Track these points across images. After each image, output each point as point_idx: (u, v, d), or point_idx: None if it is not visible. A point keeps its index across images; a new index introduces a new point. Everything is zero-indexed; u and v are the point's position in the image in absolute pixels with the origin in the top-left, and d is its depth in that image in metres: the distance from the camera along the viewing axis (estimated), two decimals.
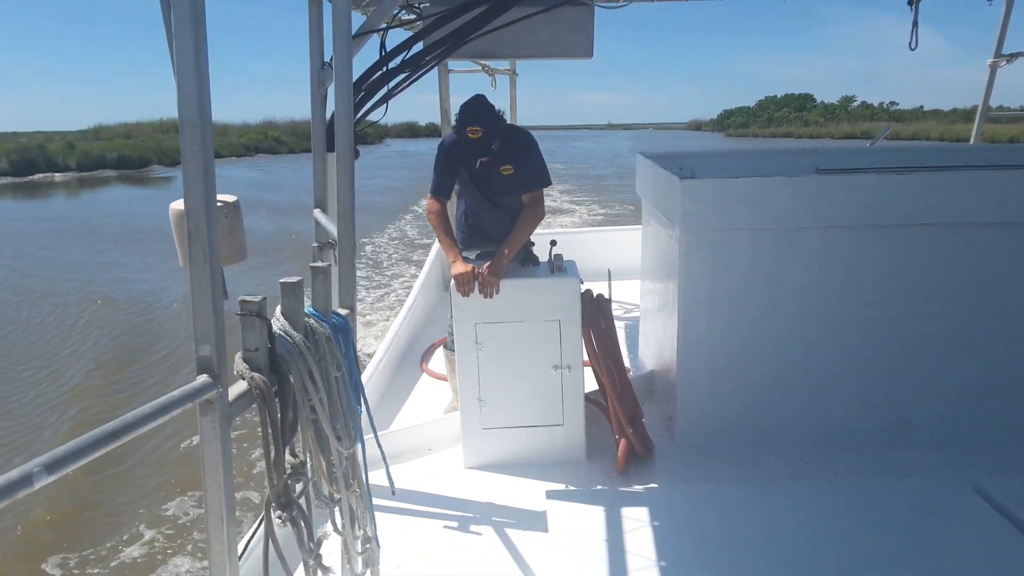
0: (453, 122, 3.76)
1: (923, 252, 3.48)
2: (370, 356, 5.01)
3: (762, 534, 2.82)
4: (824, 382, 3.62)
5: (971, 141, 6.69)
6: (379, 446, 2.47)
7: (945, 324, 3.56)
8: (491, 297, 3.37)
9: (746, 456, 3.54)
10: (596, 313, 3.50)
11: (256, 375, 1.67)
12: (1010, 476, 3.15)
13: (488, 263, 3.42)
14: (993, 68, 6.44)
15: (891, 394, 3.63)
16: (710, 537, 2.82)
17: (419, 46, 3.61)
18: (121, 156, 44.97)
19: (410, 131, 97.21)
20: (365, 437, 2.27)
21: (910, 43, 4.04)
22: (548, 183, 3.76)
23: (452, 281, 3.43)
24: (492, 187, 3.77)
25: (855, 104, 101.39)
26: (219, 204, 2.05)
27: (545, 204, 3.74)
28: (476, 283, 3.37)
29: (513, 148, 3.68)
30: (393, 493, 2.65)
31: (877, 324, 3.56)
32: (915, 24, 3.88)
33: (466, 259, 3.53)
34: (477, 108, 3.52)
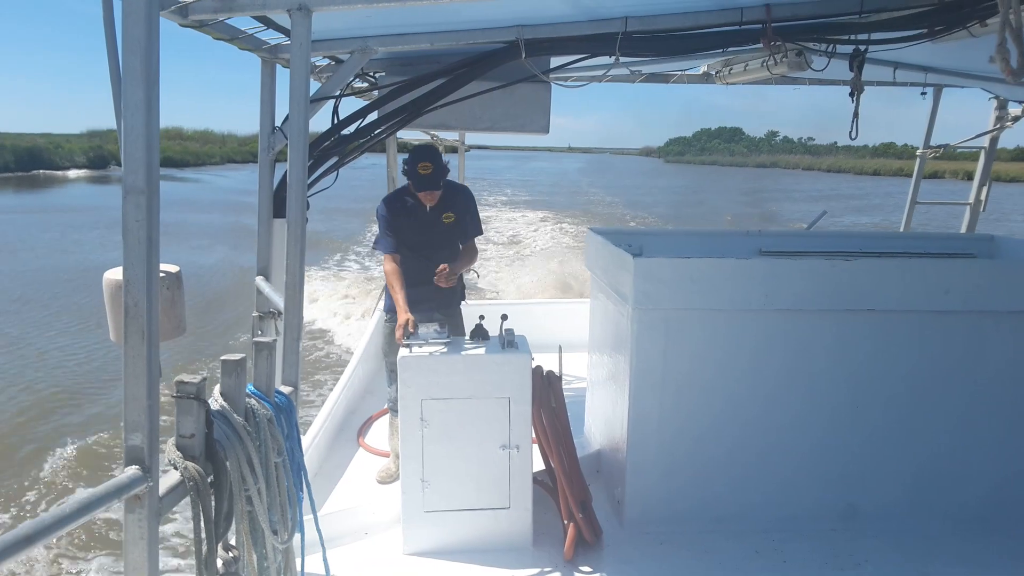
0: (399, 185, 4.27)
1: (870, 338, 3.53)
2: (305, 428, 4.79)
3: None
4: (775, 467, 3.59)
5: (902, 229, 6.99)
6: (318, 531, 2.30)
7: (895, 411, 3.59)
8: (447, 284, 3.74)
9: (696, 543, 3.45)
10: (547, 391, 3.41)
11: (191, 464, 1.52)
12: (959, 570, 3.13)
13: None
14: (922, 158, 6.78)
15: (842, 481, 3.61)
16: None
17: (373, 115, 3.57)
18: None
19: None
20: (305, 518, 2.10)
21: (850, 133, 4.19)
22: (481, 232, 4.31)
23: (399, 355, 3.30)
24: (433, 232, 4.10)
25: (778, 138, 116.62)
26: (161, 275, 1.91)
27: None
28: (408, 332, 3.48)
29: (455, 200, 4.14)
30: None
31: (828, 409, 3.57)
32: (855, 115, 4.02)
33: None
34: (428, 149, 3.96)
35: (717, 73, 5.29)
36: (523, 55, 3.32)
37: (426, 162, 3.84)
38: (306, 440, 4.44)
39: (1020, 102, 6.44)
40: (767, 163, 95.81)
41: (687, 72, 5.92)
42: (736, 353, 3.52)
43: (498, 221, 28.48)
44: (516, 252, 21.69)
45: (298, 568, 1.98)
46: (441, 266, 3.79)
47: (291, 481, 1.92)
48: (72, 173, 54.02)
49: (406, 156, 3.99)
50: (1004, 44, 2.23)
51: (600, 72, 4.48)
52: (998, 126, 6.60)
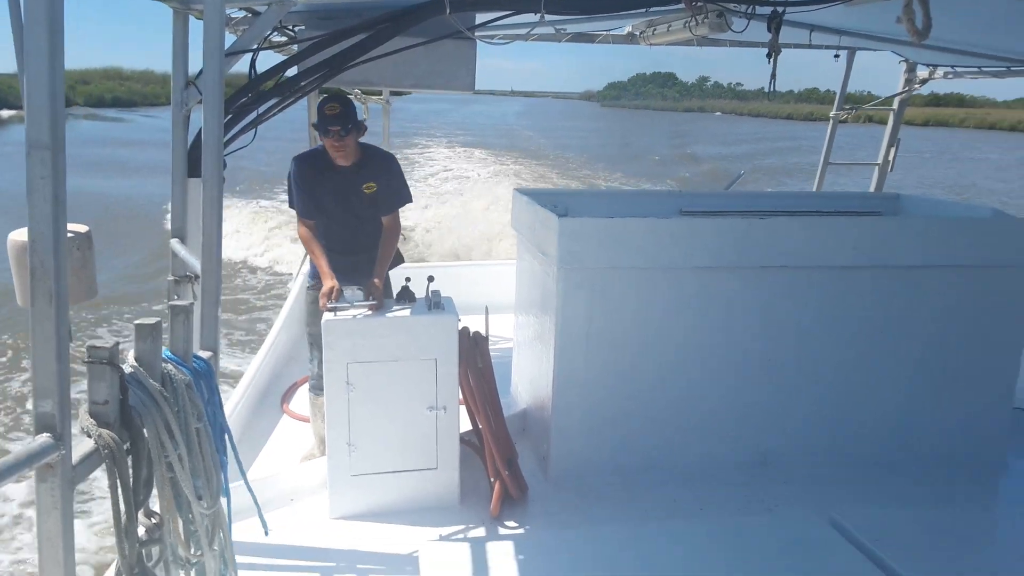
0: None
1: (784, 293, 3.68)
2: (227, 394, 4.69)
3: (634, 574, 2.83)
4: (693, 419, 3.73)
5: (815, 188, 7.24)
6: (250, 491, 2.27)
7: (805, 363, 3.76)
8: (379, 308, 3.33)
9: (619, 495, 3.57)
10: (473, 351, 3.43)
11: (105, 432, 1.48)
12: (863, 509, 3.34)
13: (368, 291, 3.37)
14: (834, 120, 7.02)
15: (753, 430, 3.78)
16: None
17: (293, 70, 3.45)
18: None
19: None
20: (233, 485, 2.08)
21: (768, 92, 4.29)
22: (410, 200, 3.95)
23: (323, 319, 3.26)
24: (352, 203, 3.80)
25: (709, 83, 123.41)
26: (69, 235, 1.82)
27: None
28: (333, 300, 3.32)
29: (377, 167, 3.82)
30: (267, 534, 2.44)
31: (744, 362, 3.72)
32: (773, 76, 4.12)
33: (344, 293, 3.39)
34: (338, 94, 3.72)
35: (641, 34, 5.33)
36: (447, 11, 3.25)
37: (333, 103, 3.56)
38: (228, 407, 4.35)
39: (927, 65, 6.72)
40: (695, 107, 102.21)
41: (612, 32, 5.93)
42: (657, 310, 3.61)
43: (433, 161, 29.53)
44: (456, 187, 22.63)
45: (227, 532, 1.96)
46: (375, 282, 3.42)
47: (214, 446, 1.88)
48: None
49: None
50: (910, 5, 2.32)
51: (525, 30, 4.44)
52: (907, 89, 6.88)
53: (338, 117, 3.56)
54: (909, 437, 3.87)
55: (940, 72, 6.67)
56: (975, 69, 6.29)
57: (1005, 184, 29.23)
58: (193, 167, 3.15)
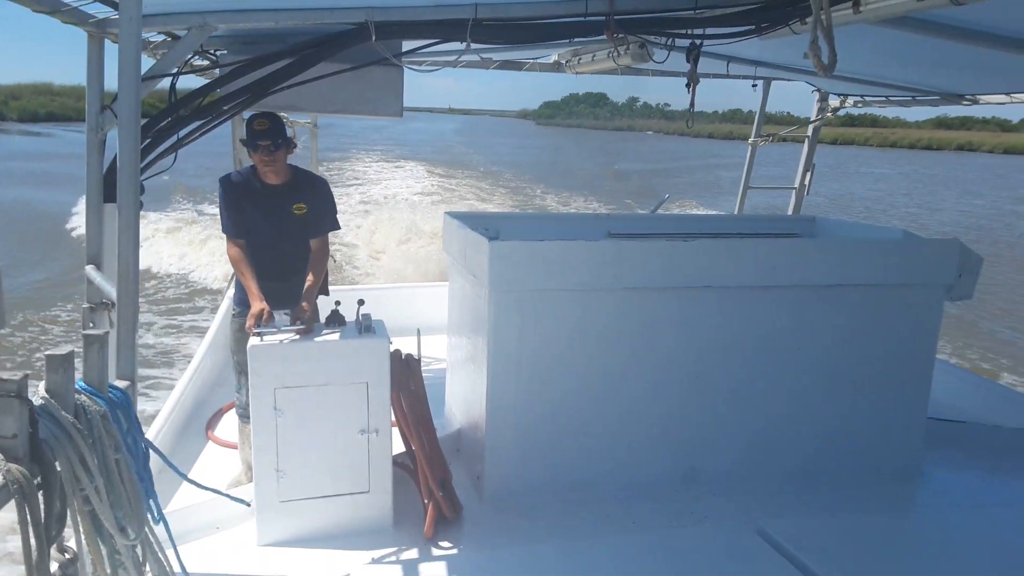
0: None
1: (708, 312, 3.79)
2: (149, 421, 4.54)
3: None
4: (624, 436, 3.79)
5: (736, 211, 7.51)
6: (167, 527, 2.21)
7: (731, 379, 3.88)
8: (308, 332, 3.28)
9: (553, 513, 3.59)
10: (405, 374, 3.42)
11: (13, 467, 1.43)
12: (789, 519, 3.45)
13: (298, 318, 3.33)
14: (753, 146, 7.31)
15: (682, 445, 3.87)
16: None
17: (217, 95, 3.41)
18: None
19: None
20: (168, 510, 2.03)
21: (688, 123, 4.45)
22: (338, 227, 3.97)
23: (249, 344, 3.20)
24: (282, 223, 3.78)
25: (639, 104, 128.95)
26: None
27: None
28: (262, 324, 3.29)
29: (309, 189, 3.84)
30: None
31: (671, 380, 3.81)
32: (692, 104, 4.28)
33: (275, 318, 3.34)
34: (267, 112, 3.66)
35: (567, 63, 5.46)
36: (373, 38, 3.28)
37: (262, 119, 3.59)
38: (150, 434, 4.21)
39: (838, 95, 7.08)
40: (624, 127, 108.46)
41: (539, 60, 6.06)
42: (587, 330, 3.68)
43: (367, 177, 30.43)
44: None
45: (164, 561, 1.90)
46: (304, 306, 3.37)
47: (135, 477, 1.83)
48: None
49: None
50: (816, 42, 2.45)
51: (453, 57, 4.50)
52: (820, 117, 7.23)
53: (268, 132, 3.59)
54: (831, 449, 4.02)
55: (851, 100, 7.04)
56: (883, 98, 6.66)
57: (878, 193, 34.52)
58: (109, 191, 3.07)
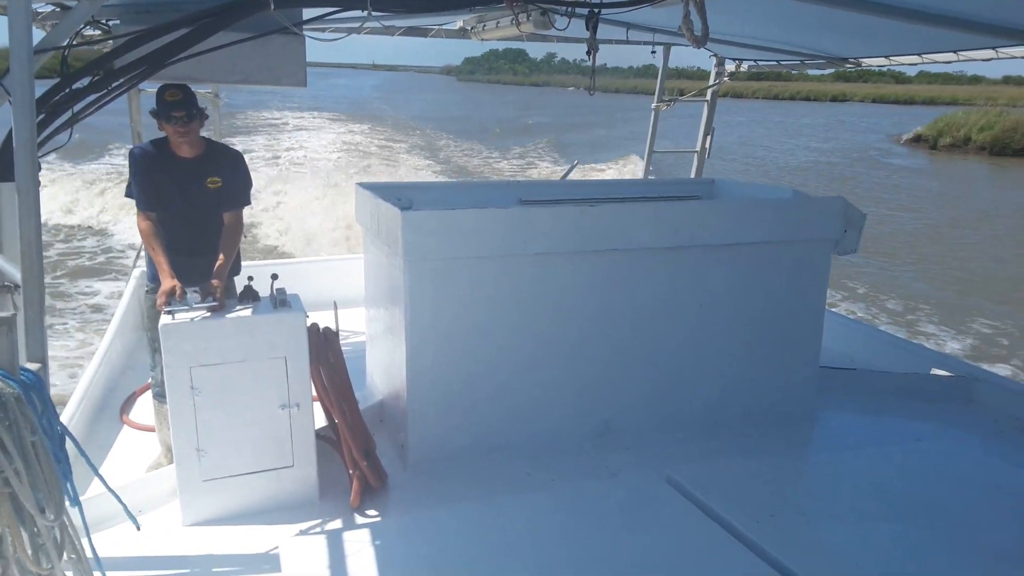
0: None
1: (616, 274, 3.95)
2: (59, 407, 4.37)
3: (492, 547, 2.98)
4: (540, 397, 3.93)
5: (642, 175, 7.74)
6: (107, 487, 2.21)
7: (638, 337, 4.06)
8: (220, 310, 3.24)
9: (475, 475, 3.70)
10: (324, 347, 3.44)
11: None
12: (695, 466, 3.67)
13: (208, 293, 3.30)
14: (656, 111, 7.52)
15: (595, 402, 4.05)
16: (446, 558, 2.90)
17: (110, 67, 3.28)
18: None
19: None
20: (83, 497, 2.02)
21: (590, 89, 4.57)
22: (250, 203, 3.92)
23: (160, 322, 3.15)
24: (195, 196, 3.71)
25: (557, 60, 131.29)
26: None
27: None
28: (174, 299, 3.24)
29: (223, 163, 3.79)
30: (139, 529, 2.41)
31: (581, 340, 3.96)
32: (593, 71, 4.39)
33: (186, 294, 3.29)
34: (176, 83, 3.58)
35: (472, 29, 5.48)
36: (272, 7, 3.22)
37: (173, 90, 3.53)
38: (63, 419, 4.08)
39: (734, 59, 7.36)
40: (541, 82, 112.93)
41: (444, 27, 6.05)
42: (500, 296, 3.77)
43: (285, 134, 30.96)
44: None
45: (83, 540, 1.90)
46: (214, 283, 3.35)
47: (52, 458, 1.82)
48: None
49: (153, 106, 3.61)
50: (688, 16, 2.59)
51: (356, 24, 4.46)
52: (717, 81, 7.50)
53: (181, 103, 3.53)
54: (732, 399, 4.28)
55: (745, 65, 7.33)
56: (774, 62, 6.97)
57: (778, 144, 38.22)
58: (3, 171, 2.94)
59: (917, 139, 39.61)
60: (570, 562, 2.88)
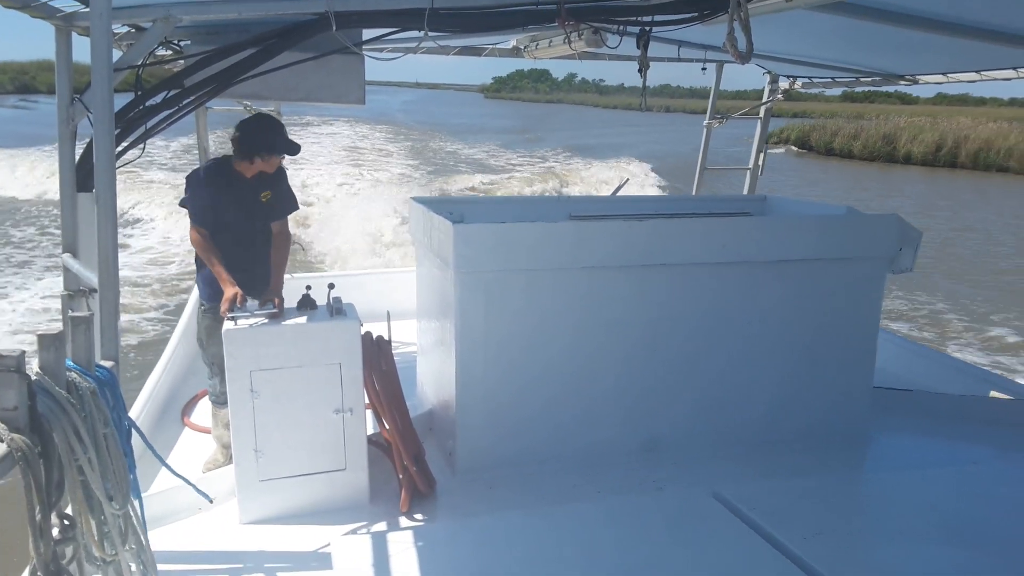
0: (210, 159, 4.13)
1: (664, 289, 3.96)
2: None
3: (537, 555, 3.01)
4: (588, 409, 3.96)
5: (693, 192, 7.71)
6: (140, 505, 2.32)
7: (686, 352, 4.06)
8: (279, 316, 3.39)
9: (522, 484, 3.75)
10: (377, 355, 3.54)
11: (16, 436, 1.53)
12: (744, 483, 3.65)
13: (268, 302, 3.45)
14: (708, 128, 7.50)
15: (644, 417, 4.05)
16: (493, 564, 2.95)
17: (182, 85, 3.47)
18: None
19: None
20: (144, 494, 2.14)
21: (642, 106, 4.61)
22: (297, 208, 4.19)
23: (224, 328, 3.29)
24: (252, 212, 3.94)
25: (577, 79, 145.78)
26: None
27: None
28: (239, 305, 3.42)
29: (272, 176, 3.99)
30: (211, 502, 2.55)
31: (630, 354, 3.98)
32: (644, 88, 4.44)
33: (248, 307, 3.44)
34: (269, 116, 3.98)
35: (525, 48, 5.59)
36: (334, 27, 3.37)
37: (279, 155, 3.85)
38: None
39: (788, 77, 7.30)
40: (555, 100, 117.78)
41: (498, 46, 6.17)
42: (550, 309, 3.82)
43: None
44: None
45: (141, 532, 2.01)
46: (276, 300, 3.47)
47: (121, 450, 1.94)
48: None
49: (237, 131, 3.80)
50: (732, 33, 2.61)
51: (412, 45, 4.59)
52: (771, 98, 7.44)
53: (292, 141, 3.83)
54: (783, 417, 4.23)
55: (799, 82, 7.26)
56: (828, 79, 6.89)
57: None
58: (82, 182, 3.13)
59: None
60: (616, 574, 2.89)
